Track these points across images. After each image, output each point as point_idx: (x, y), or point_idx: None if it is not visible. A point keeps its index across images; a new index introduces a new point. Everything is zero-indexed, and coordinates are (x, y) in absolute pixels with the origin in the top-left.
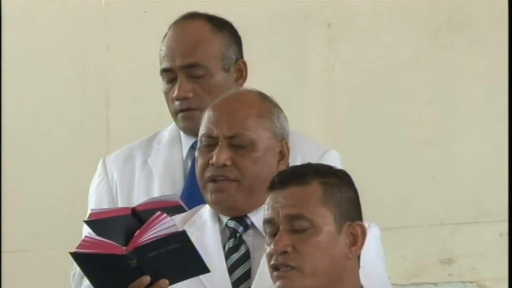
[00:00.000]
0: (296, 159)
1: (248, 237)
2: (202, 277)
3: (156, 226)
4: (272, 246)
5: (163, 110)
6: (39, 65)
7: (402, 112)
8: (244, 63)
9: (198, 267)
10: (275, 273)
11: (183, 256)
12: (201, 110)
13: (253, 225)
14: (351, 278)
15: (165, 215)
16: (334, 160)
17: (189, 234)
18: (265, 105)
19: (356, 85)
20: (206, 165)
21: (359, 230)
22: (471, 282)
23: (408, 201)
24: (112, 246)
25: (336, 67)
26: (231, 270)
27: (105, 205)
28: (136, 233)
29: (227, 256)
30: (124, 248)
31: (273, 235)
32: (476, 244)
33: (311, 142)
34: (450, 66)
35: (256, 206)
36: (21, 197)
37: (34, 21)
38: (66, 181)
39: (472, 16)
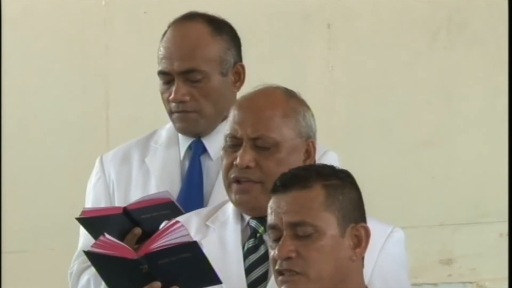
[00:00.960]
0: None
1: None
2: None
3: (170, 234)
4: (276, 252)
5: (163, 110)
6: (39, 65)
7: (402, 112)
8: (242, 67)
9: (210, 278)
10: (279, 278)
11: (194, 266)
12: (197, 112)
13: None
14: (355, 280)
15: (180, 224)
16: (332, 161)
17: (202, 242)
18: (291, 104)
19: (356, 85)
20: (231, 165)
21: (362, 232)
22: (471, 282)
23: (408, 201)
24: (125, 249)
25: (336, 67)
26: (248, 271)
27: (103, 204)
28: (149, 239)
29: (246, 256)
30: (136, 252)
31: (277, 240)
32: (476, 244)
33: None
34: (449, 67)
35: None
36: (21, 197)
37: (34, 21)
38: (66, 181)
39: (472, 16)
